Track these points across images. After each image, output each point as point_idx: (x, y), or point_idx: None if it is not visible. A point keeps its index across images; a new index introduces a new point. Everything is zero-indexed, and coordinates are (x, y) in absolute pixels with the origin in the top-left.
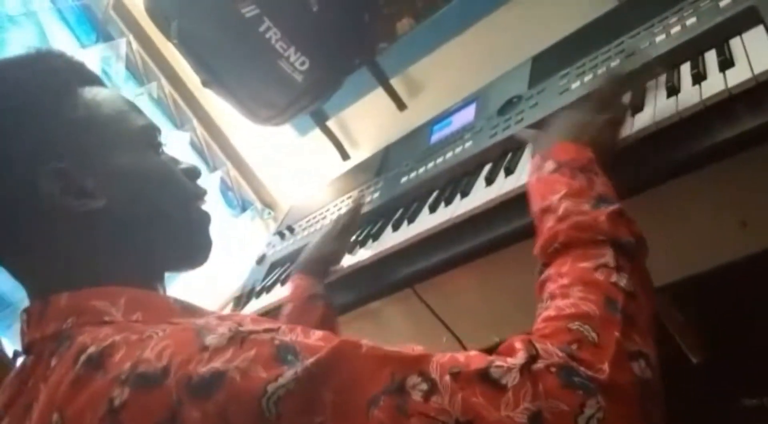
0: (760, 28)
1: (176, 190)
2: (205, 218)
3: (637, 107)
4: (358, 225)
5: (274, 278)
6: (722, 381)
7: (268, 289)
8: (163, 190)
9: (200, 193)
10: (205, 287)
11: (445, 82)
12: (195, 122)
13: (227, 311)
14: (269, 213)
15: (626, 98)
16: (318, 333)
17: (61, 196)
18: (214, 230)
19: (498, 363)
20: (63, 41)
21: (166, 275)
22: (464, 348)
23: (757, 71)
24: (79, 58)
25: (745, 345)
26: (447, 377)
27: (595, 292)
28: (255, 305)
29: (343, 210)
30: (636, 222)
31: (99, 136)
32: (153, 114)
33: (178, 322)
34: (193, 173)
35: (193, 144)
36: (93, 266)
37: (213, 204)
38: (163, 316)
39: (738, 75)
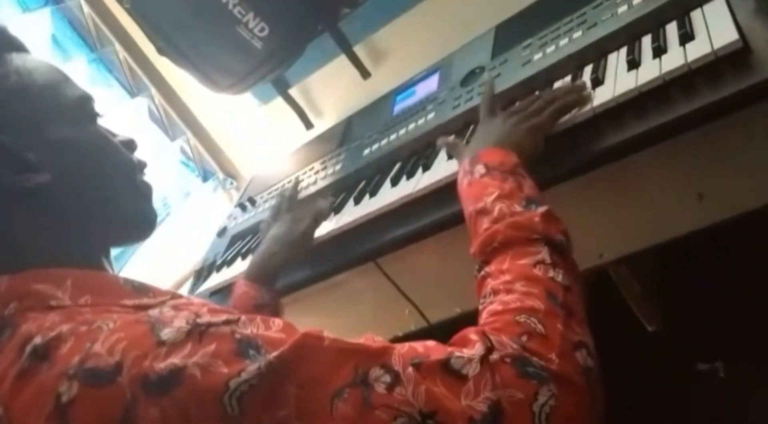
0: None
1: (119, 162)
2: (148, 189)
3: (598, 81)
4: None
5: (235, 251)
6: (677, 348)
7: (228, 262)
8: (106, 162)
9: (141, 165)
10: (165, 260)
11: (409, 50)
12: (152, 90)
13: (188, 285)
14: (231, 183)
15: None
16: (278, 323)
17: (1, 172)
18: (173, 202)
19: (458, 354)
20: (5, 4)
21: (119, 252)
22: (426, 320)
23: (716, 46)
24: (25, 22)
25: (699, 313)
26: (410, 369)
27: (536, 286)
28: (216, 279)
29: (305, 211)
30: (562, 221)
31: (35, 107)
32: (107, 81)
33: (130, 305)
34: (131, 145)
35: (150, 112)
36: (35, 245)
37: (173, 173)
38: (114, 297)
39: (698, 49)
